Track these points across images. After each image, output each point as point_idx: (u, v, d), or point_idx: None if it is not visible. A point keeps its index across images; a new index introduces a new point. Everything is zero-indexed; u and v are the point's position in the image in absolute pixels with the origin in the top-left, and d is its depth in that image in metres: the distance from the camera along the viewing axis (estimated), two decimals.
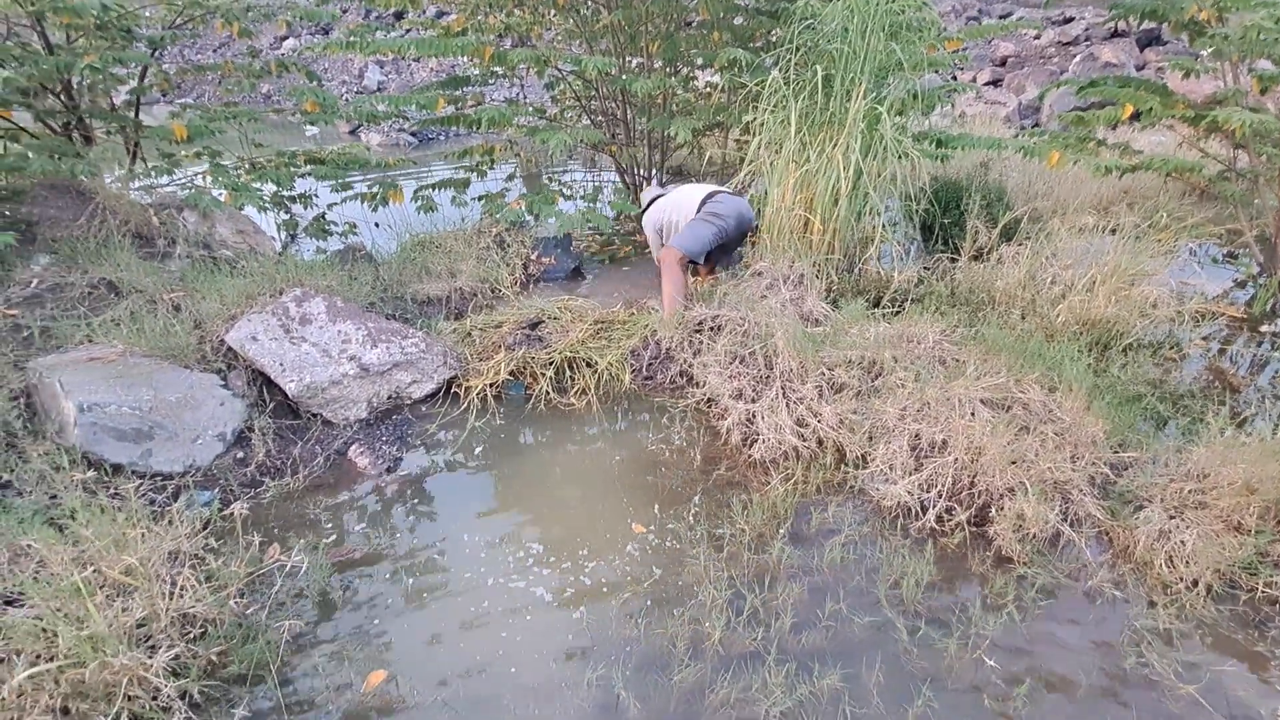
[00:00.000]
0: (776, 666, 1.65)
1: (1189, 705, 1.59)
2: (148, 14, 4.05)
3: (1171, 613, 1.80)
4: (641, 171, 4.79)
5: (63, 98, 3.65)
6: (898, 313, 3.01)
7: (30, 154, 3.22)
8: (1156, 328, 3.01)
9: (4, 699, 1.41)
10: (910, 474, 2.16)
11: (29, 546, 1.79)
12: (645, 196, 3.70)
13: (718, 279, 3.29)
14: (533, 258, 3.95)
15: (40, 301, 2.82)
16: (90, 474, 2.08)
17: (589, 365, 2.83)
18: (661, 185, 3.95)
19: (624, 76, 3.95)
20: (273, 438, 2.49)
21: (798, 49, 3.39)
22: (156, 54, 3.89)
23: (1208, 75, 4.05)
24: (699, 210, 3.21)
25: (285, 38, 12.36)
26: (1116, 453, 2.22)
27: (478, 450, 2.53)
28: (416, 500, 2.30)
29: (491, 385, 2.78)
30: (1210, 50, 3.85)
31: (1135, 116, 4.08)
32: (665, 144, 4.76)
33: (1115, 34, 8.84)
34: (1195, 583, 1.84)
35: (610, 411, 2.72)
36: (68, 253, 3.02)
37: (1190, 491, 2.01)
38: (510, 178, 5.22)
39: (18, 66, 3.14)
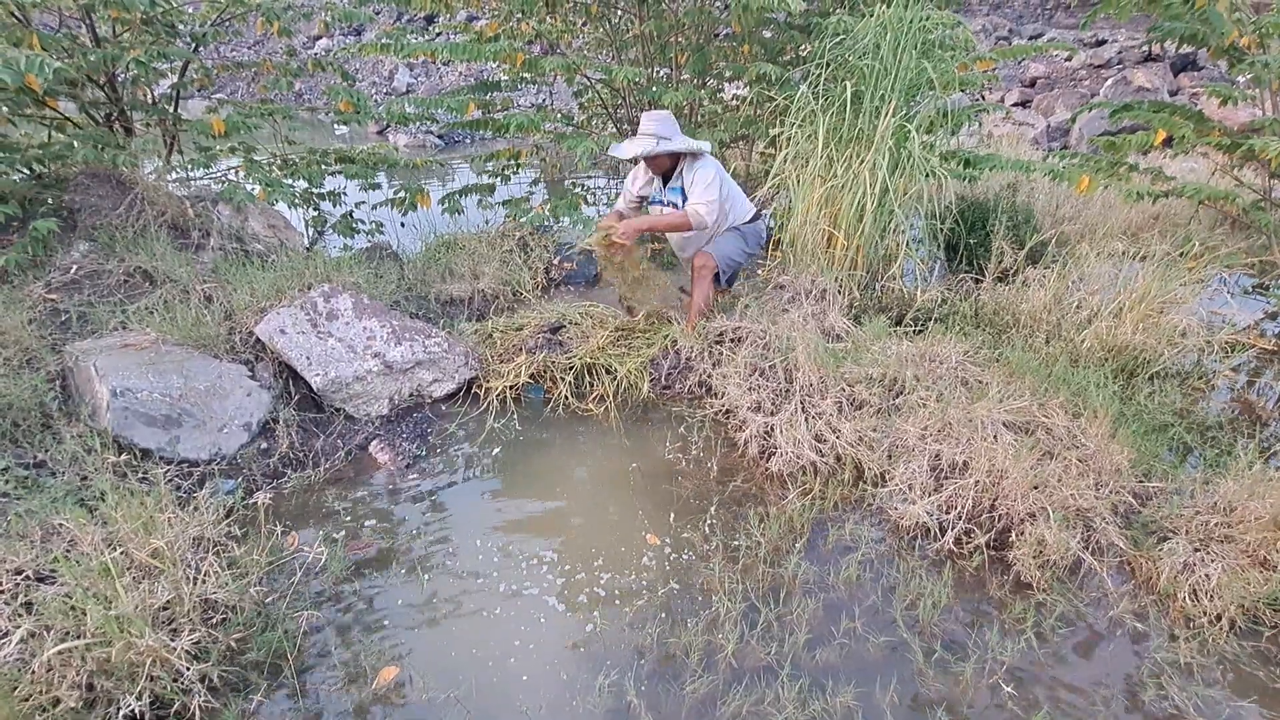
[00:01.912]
0: (790, 681, 1.65)
1: None
2: (190, 10, 4.16)
3: (1193, 646, 1.77)
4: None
5: (106, 90, 3.75)
6: (920, 331, 2.99)
7: (75, 143, 3.32)
8: (1184, 357, 2.97)
9: (34, 672, 1.45)
10: (929, 494, 2.15)
11: (60, 526, 1.84)
12: (644, 143, 2.79)
13: (734, 295, 3.27)
14: (555, 262, 3.98)
15: (79, 287, 2.89)
16: (122, 458, 2.13)
17: (608, 372, 2.84)
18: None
19: (653, 87, 3.99)
20: (296, 430, 2.54)
21: (828, 64, 3.40)
22: (197, 50, 3.99)
23: (1245, 103, 4.00)
24: (749, 221, 3.04)
25: (319, 38, 12.61)
26: (1141, 482, 2.19)
27: (496, 452, 2.55)
28: (434, 499, 2.33)
29: (511, 388, 2.80)
30: (1249, 77, 3.81)
31: (1168, 142, 4.04)
32: None
33: (1149, 58, 8.76)
34: (1219, 617, 1.80)
35: (628, 419, 2.74)
36: (106, 241, 3.10)
37: (1216, 524, 1.98)
38: (535, 183, 5.28)
39: (67, 58, 3.24)
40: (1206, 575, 1.84)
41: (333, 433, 2.59)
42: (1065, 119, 7.10)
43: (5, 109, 3.27)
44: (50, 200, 3.25)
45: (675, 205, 2.93)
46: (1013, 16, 13.34)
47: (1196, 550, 1.92)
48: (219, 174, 4.15)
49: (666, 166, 2.88)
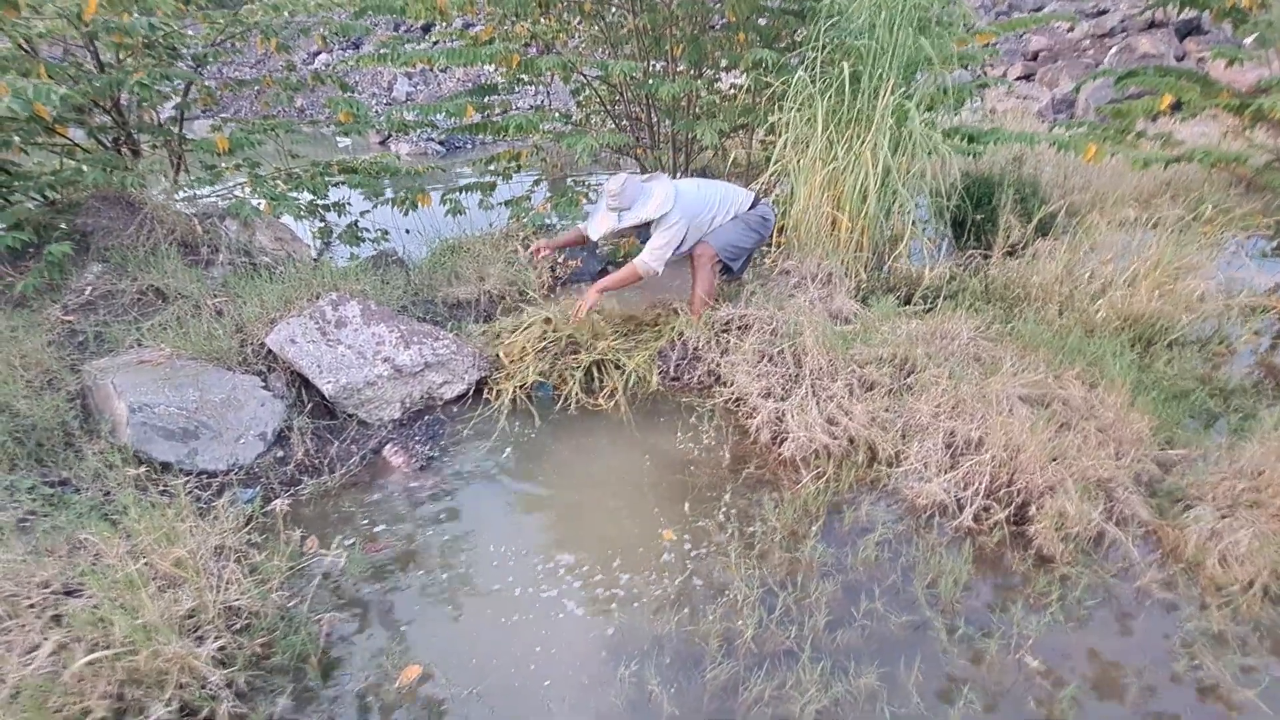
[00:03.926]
0: (811, 664, 1.64)
1: (1249, 710, 1.53)
2: (190, 32, 4.22)
3: (1225, 615, 1.73)
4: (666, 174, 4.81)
5: (113, 114, 3.82)
6: (930, 310, 2.96)
7: (84, 168, 3.38)
8: (1204, 322, 2.90)
9: (65, 683, 1.48)
10: (945, 472, 2.12)
11: (85, 540, 1.88)
12: (623, 186, 2.85)
13: (740, 283, 3.25)
14: (559, 261, 3.98)
15: (94, 308, 2.95)
16: (142, 470, 2.16)
17: (617, 367, 2.84)
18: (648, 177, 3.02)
19: (649, 81, 3.98)
20: (311, 437, 2.56)
21: (824, 46, 3.37)
22: (199, 70, 4.05)
23: (1252, 63, 3.92)
24: (751, 209, 2.99)
25: (318, 53, 12.73)
26: (1163, 449, 2.14)
27: (508, 451, 2.56)
28: (448, 500, 2.34)
29: (521, 386, 2.81)
30: (1254, 38, 3.72)
31: (1176, 106, 3.97)
32: (689, 146, 4.77)
33: (1153, 25, 8.58)
34: (1251, 584, 1.76)
35: (639, 412, 2.73)
36: (118, 261, 3.15)
37: (1243, 490, 1.93)
38: (536, 183, 5.29)
39: (73, 85, 3.30)
40: (1235, 541, 1.80)
41: (346, 438, 2.62)
42: (1070, 90, 6.98)
43: (18, 138, 3.34)
44: (63, 225, 3.31)
45: None
46: None
47: (1224, 516, 1.88)
48: (225, 190, 4.21)
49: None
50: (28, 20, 3.15)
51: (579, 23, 4.69)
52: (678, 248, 2.94)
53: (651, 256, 2.87)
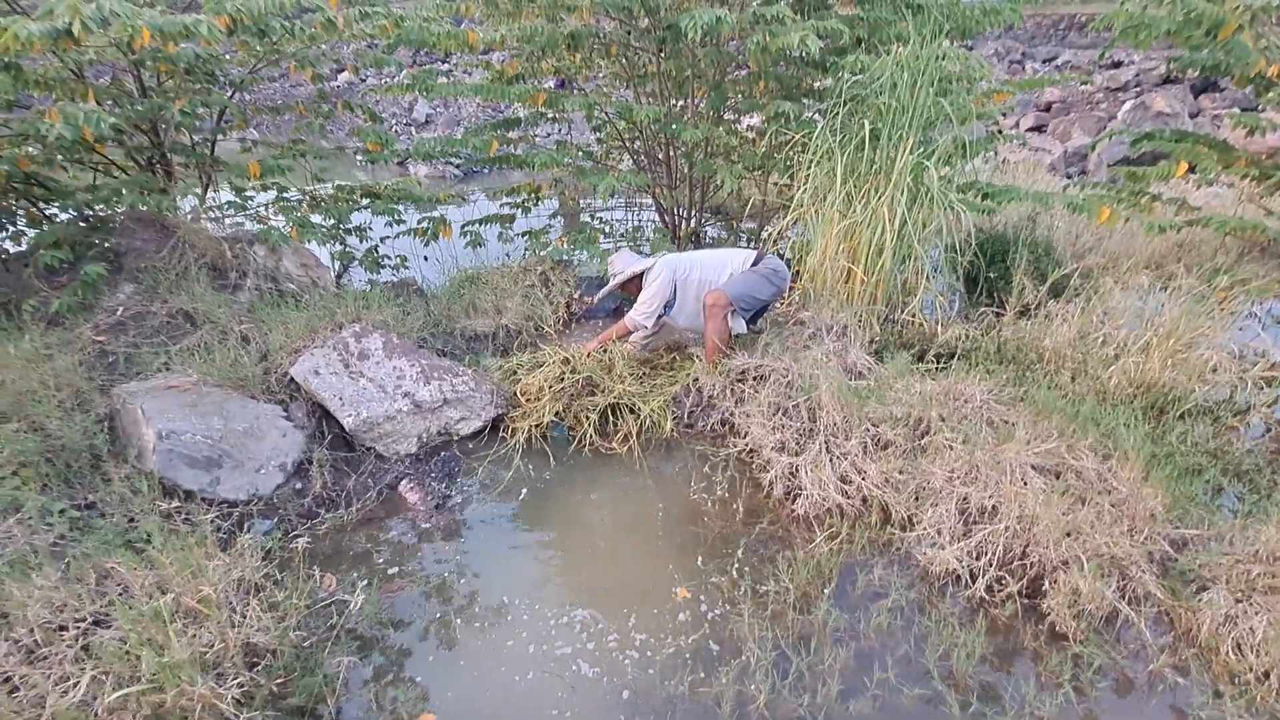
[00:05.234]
0: None
1: None
2: (227, 57, 4.35)
3: (1240, 705, 1.73)
4: (681, 211, 4.89)
5: (150, 136, 3.93)
6: (943, 369, 2.99)
7: (123, 189, 3.47)
8: (1216, 392, 2.92)
9: (97, 715, 1.50)
10: (959, 539, 2.13)
11: (113, 569, 1.90)
12: (626, 261, 3.30)
13: (756, 332, 3.29)
14: (575, 296, 4.04)
15: (124, 329, 3.00)
16: (173, 505, 2.19)
17: (632, 411, 2.87)
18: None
19: (673, 125, 4.07)
20: (329, 469, 2.60)
21: (845, 101, 3.46)
22: (233, 96, 4.17)
23: (1276, 134, 3.98)
24: (754, 265, 3.11)
25: (341, 70, 13.00)
26: (1176, 528, 2.15)
27: (523, 493, 2.58)
28: (464, 541, 2.36)
29: (536, 426, 2.84)
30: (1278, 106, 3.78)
31: (1192, 169, 4.02)
32: (706, 186, 4.85)
33: (1168, 80, 8.73)
34: (1266, 674, 1.76)
35: (652, 458, 2.76)
36: (150, 283, 3.22)
37: (1259, 574, 1.94)
38: (554, 215, 5.37)
39: (115, 108, 3.41)
40: (1251, 629, 1.80)
41: (364, 472, 2.65)
42: (1083, 144, 7.08)
43: (60, 156, 3.44)
44: (97, 243, 3.40)
45: None
46: (1025, 39, 13.39)
47: (1239, 601, 1.89)
48: (251, 211, 4.29)
49: (635, 289, 3.29)
50: (80, 48, 3.27)
51: (603, 59, 4.81)
52: (672, 302, 3.12)
53: (638, 313, 3.13)
